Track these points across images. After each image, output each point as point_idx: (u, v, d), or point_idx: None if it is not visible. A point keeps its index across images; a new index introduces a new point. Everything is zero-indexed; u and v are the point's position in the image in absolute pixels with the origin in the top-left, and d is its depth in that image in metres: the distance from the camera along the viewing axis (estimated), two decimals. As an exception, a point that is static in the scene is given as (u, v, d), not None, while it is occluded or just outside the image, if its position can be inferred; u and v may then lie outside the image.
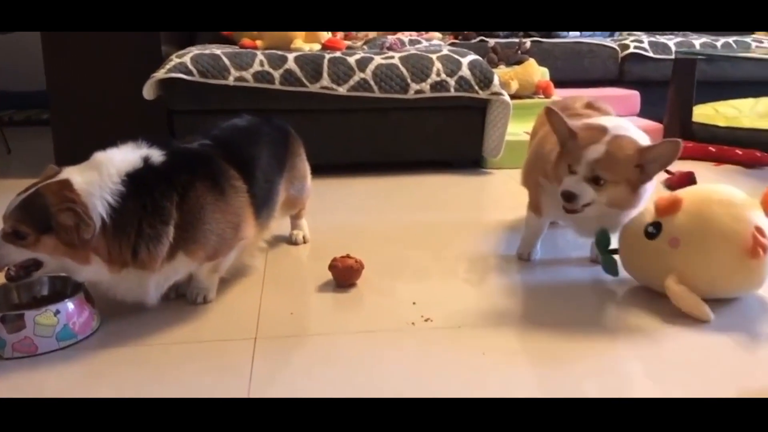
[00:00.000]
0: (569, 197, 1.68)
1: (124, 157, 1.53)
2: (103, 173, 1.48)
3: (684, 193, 1.73)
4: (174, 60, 2.93)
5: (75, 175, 1.48)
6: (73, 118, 3.12)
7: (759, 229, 1.62)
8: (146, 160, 1.53)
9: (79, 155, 1.60)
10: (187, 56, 2.94)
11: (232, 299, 1.77)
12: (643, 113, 3.91)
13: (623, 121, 1.78)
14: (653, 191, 1.76)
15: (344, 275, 1.83)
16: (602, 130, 1.68)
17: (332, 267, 1.85)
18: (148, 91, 2.89)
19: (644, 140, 1.71)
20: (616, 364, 1.44)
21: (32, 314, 1.48)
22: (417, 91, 3.05)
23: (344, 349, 1.49)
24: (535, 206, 1.99)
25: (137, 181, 1.49)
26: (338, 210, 2.61)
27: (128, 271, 1.51)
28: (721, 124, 3.53)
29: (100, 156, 1.53)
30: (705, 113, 3.73)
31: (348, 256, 1.85)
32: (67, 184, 1.46)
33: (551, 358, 1.46)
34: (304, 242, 2.21)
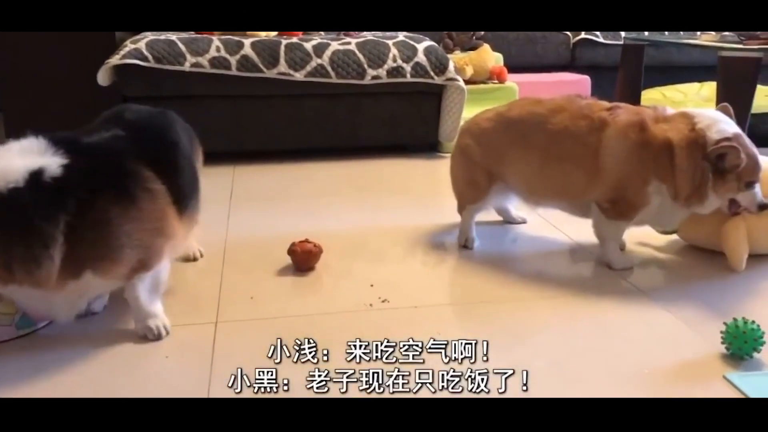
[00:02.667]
0: (766, 207, 1.82)
1: (7, 167, 1.36)
2: None
3: None
4: (129, 46, 2.91)
5: None
6: (25, 104, 3.08)
7: None
8: (35, 174, 1.36)
9: None
10: (141, 42, 2.92)
11: (192, 284, 1.79)
12: (594, 97, 4.01)
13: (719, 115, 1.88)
14: None
15: (303, 259, 1.87)
16: (749, 148, 1.80)
17: (291, 251, 1.88)
18: (103, 77, 2.87)
19: None
20: (565, 338, 1.51)
21: (-9, 303, 1.48)
22: (374, 77, 3.09)
23: (304, 332, 1.53)
24: (629, 211, 1.87)
25: (11, 200, 1.34)
26: (296, 194, 2.64)
27: (20, 288, 1.39)
28: (668, 106, 3.65)
29: None
30: (652, 97, 3.86)
31: (307, 241, 1.89)
32: None
33: (503, 335, 1.53)
34: (201, 256, 1.99)
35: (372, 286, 1.78)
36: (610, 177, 1.83)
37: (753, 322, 1.42)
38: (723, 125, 1.79)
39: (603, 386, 1.33)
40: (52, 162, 1.39)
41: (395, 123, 3.24)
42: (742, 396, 1.30)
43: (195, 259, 1.96)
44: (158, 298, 1.56)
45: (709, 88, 4.02)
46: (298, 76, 3.02)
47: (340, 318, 1.60)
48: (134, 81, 2.92)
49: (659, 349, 1.47)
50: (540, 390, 1.30)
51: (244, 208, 2.36)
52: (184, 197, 1.60)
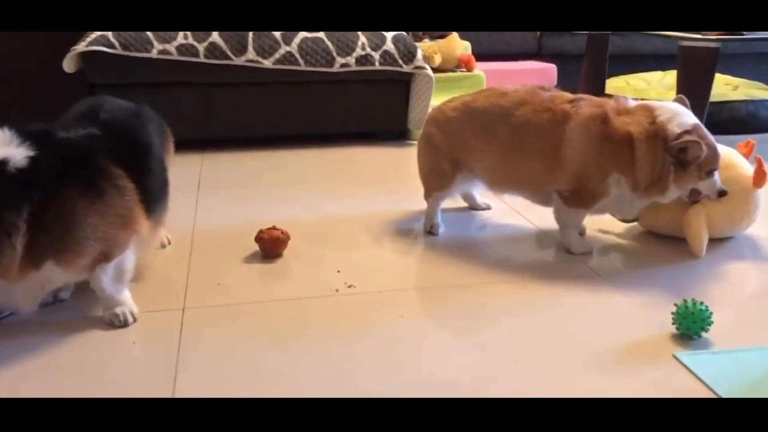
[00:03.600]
0: (725, 194, 1.89)
1: None
2: None
3: None
4: (95, 32, 2.88)
5: None
6: (-12, 91, 3.04)
7: (760, 161, 1.99)
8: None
9: None
10: (107, 28, 2.90)
11: (160, 271, 1.81)
12: (560, 85, 4.08)
13: (675, 106, 1.93)
14: None
15: (270, 246, 1.90)
16: (705, 136, 1.86)
17: (258, 238, 1.91)
18: (69, 65, 2.84)
19: None
20: (525, 320, 1.57)
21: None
22: (342, 65, 3.11)
23: (271, 317, 1.57)
24: (589, 200, 1.93)
25: None
26: (264, 182, 2.66)
27: None
28: (631, 95, 3.73)
29: None
30: (617, 85, 3.93)
31: (274, 228, 1.92)
32: None
33: (465, 317, 1.58)
34: (169, 243, 2.03)
35: (339, 272, 1.81)
36: (572, 168, 1.89)
37: (702, 303, 1.49)
38: (683, 118, 1.85)
39: (559, 366, 1.38)
40: (18, 153, 1.40)
41: (364, 111, 3.27)
42: (689, 374, 1.36)
43: (163, 246, 1.98)
44: (124, 286, 1.58)
45: (672, 76, 4.10)
46: (267, 63, 3.03)
47: (308, 304, 1.64)
48: (101, 68, 2.90)
49: (614, 330, 1.53)
50: (498, 370, 1.36)
51: (212, 196, 2.37)
52: (153, 200, 1.63)
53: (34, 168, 1.40)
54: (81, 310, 1.60)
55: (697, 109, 2.97)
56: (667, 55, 4.35)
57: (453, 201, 2.30)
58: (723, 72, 3.93)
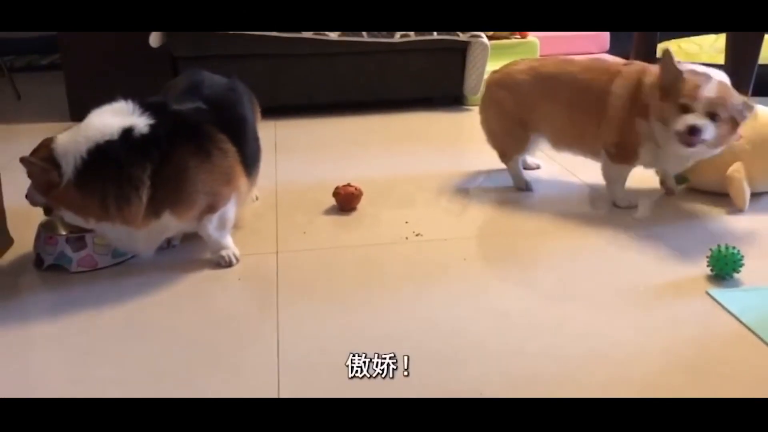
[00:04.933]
0: (695, 131, 1.83)
1: (104, 124, 1.67)
2: (80, 136, 1.65)
3: None
4: (176, 9, 3.15)
5: (63, 135, 1.70)
6: (83, 64, 3.33)
7: None
8: (126, 131, 1.65)
9: (89, 100, 1.82)
10: (188, 5, 3.16)
11: (253, 222, 2.08)
12: (612, 50, 4.19)
13: (712, 69, 1.96)
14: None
15: (346, 200, 2.14)
16: (707, 76, 1.89)
17: (335, 194, 2.16)
18: (154, 40, 3.12)
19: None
20: (573, 262, 1.78)
21: (91, 236, 1.79)
22: (402, 35, 3.31)
23: (352, 259, 1.82)
24: (629, 155, 2.06)
25: (107, 150, 1.63)
26: (333, 144, 2.90)
27: (111, 225, 1.68)
28: (683, 59, 3.81)
29: (87, 119, 1.72)
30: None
31: (349, 185, 2.16)
32: (47, 141, 1.69)
33: (521, 260, 1.80)
34: (257, 199, 2.25)
35: (407, 222, 2.05)
36: (614, 120, 2.05)
37: (734, 247, 1.67)
38: (685, 65, 1.96)
39: (602, 300, 1.59)
40: (140, 121, 1.69)
41: (422, 78, 3.46)
42: (720, 308, 1.55)
43: (252, 201, 2.25)
44: (227, 233, 1.84)
45: (724, 39, 4.15)
46: (333, 35, 3.25)
47: (382, 248, 1.88)
48: (182, 43, 3.17)
49: (654, 271, 1.73)
50: (547, 303, 1.58)
51: (288, 158, 2.62)
52: (249, 162, 1.89)
53: (154, 134, 1.69)
54: (191, 254, 1.88)
55: (745, 72, 3.08)
56: (721, 17, 4.38)
57: (499, 162, 2.42)
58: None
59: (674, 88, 1.89)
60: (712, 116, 1.86)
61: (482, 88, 2.44)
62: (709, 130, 1.86)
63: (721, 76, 1.95)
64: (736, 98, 1.89)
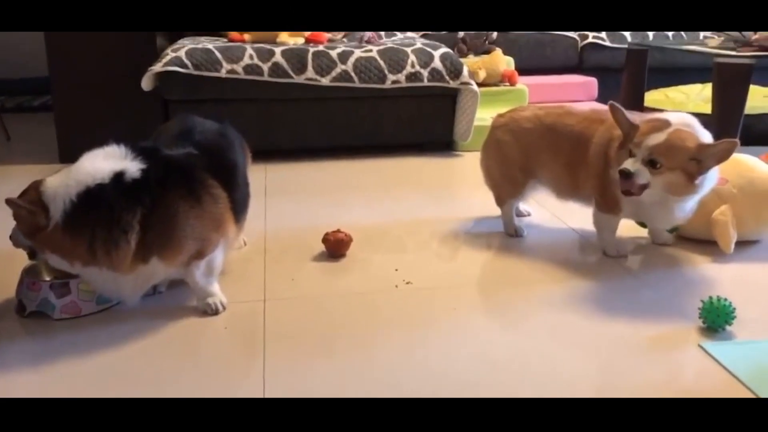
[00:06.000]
0: (626, 175, 1.84)
1: (95, 168, 1.67)
2: (70, 180, 1.64)
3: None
4: (170, 54, 3.18)
5: (52, 178, 1.69)
6: (74, 106, 3.32)
7: None
8: (118, 175, 1.65)
9: (79, 142, 1.82)
10: (182, 50, 3.19)
11: (240, 268, 2.06)
12: (601, 98, 4.25)
13: (689, 117, 1.94)
14: (714, 181, 1.94)
15: (336, 247, 2.13)
16: (666, 123, 1.88)
17: (325, 240, 2.14)
18: (147, 83, 3.14)
19: (706, 137, 1.89)
20: (564, 313, 1.76)
21: (76, 282, 1.76)
22: (393, 82, 3.34)
23: (341, 307, 1.80)
24: (612, 204, 2.07)
25: (98, 193, 1.63)
26: (323, 189, 2.90)
27: (98, 270, 1.66)
28: (669, 108, 3.88)
29: (79, 162, 1.71)
30: (656, 98, 4.07)
31: (338, 231, 2.15)
32: (36, 184, 1.68)
33: (511, 311, 1.78)
34: (245, 244, 2.26)
35: (396, 270, 2.03)
36: (594, 171, 2.07)
37: (726, 299, 1.66)
38: (646, 116, 1.99)
39: (595, 350, 1.58)
40: (132, 166, 1.69)
41: (413, 123, 3.49)
42: (712, 360, 1.54)
43: (240, 247, 2.23)
44: (214, 279, 1.82)
45: (710, 89, 4.22)
46: (325, 81, 3.28)
47: (372, 296, 1.86)
48: (175, 86, 3.19)
49: (646, 323, 1.71)
50: (543, 353, 1.56)
51: (278, 201, 2.61)
52: (238, 208, 1.88)
53: (145, 178, 1.68)
54: (177, 301, 1.85)
55: (732, 122, 3.13)
56: (707, 68, 4.46)
57: (495, 209, 2.45)
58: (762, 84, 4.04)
59: (629, 136, 1.92)
60: (653, 163, 1.84)
61: (486, 130, 2.43)
62: (643, 176, 1.85)
63: (686, 125, 1.90)
64: (695, 145, 1.83)
